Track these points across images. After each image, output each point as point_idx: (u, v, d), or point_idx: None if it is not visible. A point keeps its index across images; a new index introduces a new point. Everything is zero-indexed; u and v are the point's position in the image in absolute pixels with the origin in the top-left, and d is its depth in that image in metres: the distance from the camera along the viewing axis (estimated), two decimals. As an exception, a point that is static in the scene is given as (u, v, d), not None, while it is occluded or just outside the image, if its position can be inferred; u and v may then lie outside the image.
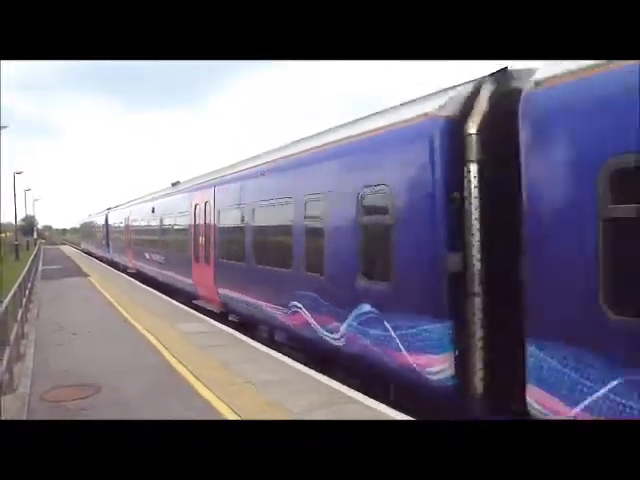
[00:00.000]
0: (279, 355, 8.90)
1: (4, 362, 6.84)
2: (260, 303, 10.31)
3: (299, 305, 8.65)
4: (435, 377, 5.81)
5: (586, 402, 4.13)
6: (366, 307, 6.91)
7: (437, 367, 5.78)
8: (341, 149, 7.83)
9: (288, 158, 9.62)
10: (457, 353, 5.60)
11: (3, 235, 50.51)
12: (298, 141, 9.93)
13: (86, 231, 55.69)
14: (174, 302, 15.82)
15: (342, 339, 7.46)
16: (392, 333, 6.42)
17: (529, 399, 4.80)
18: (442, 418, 5.67)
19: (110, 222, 33.89)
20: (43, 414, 6.23)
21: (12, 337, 8.21)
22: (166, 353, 9.18)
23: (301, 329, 8.66)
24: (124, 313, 13.60)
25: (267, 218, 10.36)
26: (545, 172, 4.71)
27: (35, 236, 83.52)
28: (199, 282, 14.54)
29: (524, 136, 4.86)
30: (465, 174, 5.56)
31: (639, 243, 4.00)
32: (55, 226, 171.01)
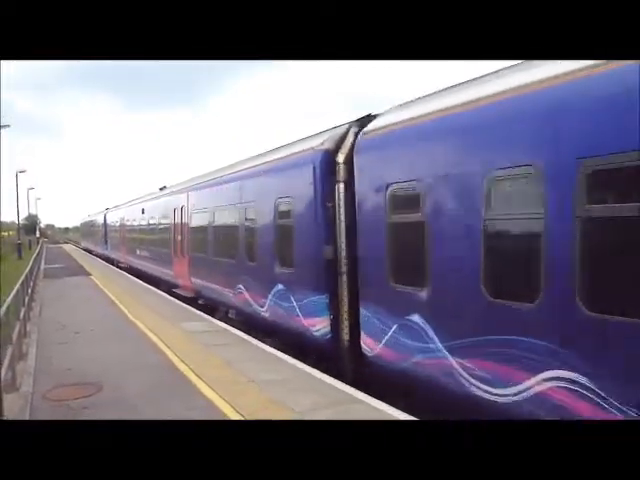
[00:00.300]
0: (282, 355, 8.90)
1: (6, 361, 6.86)
2: (219, 288, 13.04)
3: (242, 287, 11.43)
4: (318, 333, 8.39)
5: (384, 340, 6.88)
6: (280, 286, 9.65)
7: (319, 326, 8.37)
8: (265, 169, 10.67)
9: (235, 173, 12.50)
10: (331, 316, 8.12)
11: (5, 234, 50.62)
12: (244, 160, 12.68)
13: (86, 230, 59.91)
14: (176, 301, 15.87)
15: (267, 312, 10.18)
16: (295, 304, 9.06)
17: (362, 343, 7.48)
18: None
19: (108, 222, 36.79)
20: (46, 413, 6.25)
21: (14, 336, 8.23)
22: (168, 352, 9.20)
23: (243, 306, 11.44)
24: (126, 312, 13.63)
25: (222, 220, 13.12)
26: (360, 192, 7.47)
27: (37, 235, 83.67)
28: (178, 274, 17.22)
29: (355, 167, 7.61)
30: (336, 190, 7.95)
31: (407, 241, 6.67)
32: (57, 225, 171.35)
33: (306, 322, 8.69)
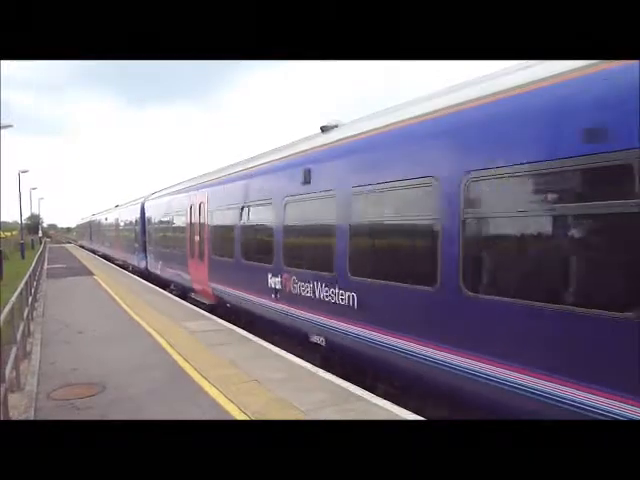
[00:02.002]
0: (286, 353, 8.93)
1: (10, 360, 6.88)
2: (129, 257, 28.45)
3: (131, 255, 27.91)
4: (143, 266, 24.23)
5: (150, 263, 22.88)
6: (136, 252, 25.81)
7: (143, 264, 24.23)
8: (128, 205, 31.03)
9: (121, 206, 35.40)
10: (145, 261, 23.71)
11: (9, 234, 50.82)
12: (124, 203, 34.87)
13: (80, 231, 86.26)
14: (180, 300, 15.91)
15: (136, 262, 26.33)
16: (139, 257, 24.98)
17: (147, 267, 23.44)
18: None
19: (92, 224, 55.88)
20: (50, 412, 6.28)
21: (19, 335, 8.25)
22: (172, 351, 9.23)
23: (131, 261, 27.98)
24: (130, 312, 13.67)
25: (123, 225, 31.03)
26: (146, 218, 24.05)
27: (40, 235, 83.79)
28: (117, 253, 34.37)
29: (145, 210, 24.34)
30: (146, 218, 23.83)
31: (152, 234, 22.61)
32: (60, 225, 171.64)
33: (141, 263, 24.27)
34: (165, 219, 19.78)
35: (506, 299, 5.14)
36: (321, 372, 7.71)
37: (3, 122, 32.76)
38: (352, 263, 7.56)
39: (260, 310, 10.79)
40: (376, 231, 7.24)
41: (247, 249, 11.51)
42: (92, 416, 6.06)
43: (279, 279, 9.79)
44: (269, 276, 10.18)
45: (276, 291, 9.95)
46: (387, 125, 7.08)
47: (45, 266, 29.54)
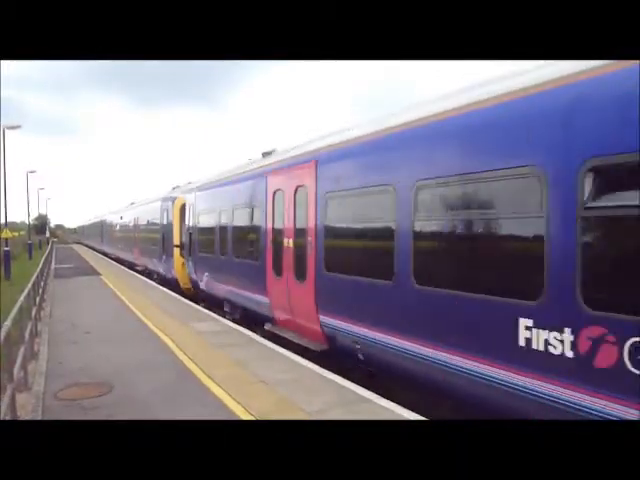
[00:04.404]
0: (292, 355, 8.92)
1: (19, 360, 6.91)
2: (97, 244, 56.61)
3: (104, 244, 51.15)
4: (100, 247, 54.50)
5: (110, 246, 45.41)
6: (102, 243, 52.00)
7: (100, 247, 53.43)
8: (97, 219, 62.43)
9: (98, 217, 62.66)
10: (102, 245, 51.30)
11: (16, 234, 51.52)
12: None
13: (80, 232, 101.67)
14: (187, 302, 15.94)
15: (101, 246, 52.74)
16: (100, 242, 53.88)
17: (104, 248, 49.75)
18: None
19: (85, 227, 77.99)
20: (58, 412, 6.31)
21: (27, 335, 8.29)
22: (179, 352, 9.25)
23: (101, 247, 52.54)
24: (137, 312, 13.72)
25: (96, 229, 60.06)
26: (104, 228, 50.94)
27: (47, 235, 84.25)
28: (95, 244, 58.73)
29: (104, 222, 51.51)
30: (104, 226, 51.38)
31: (109, 235, 46.44)
32: (67, 225, 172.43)
33: (98, 246, 53.45)
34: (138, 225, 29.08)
35: None
36: (327, 374, 7.70)
37: (13, 122, 33.17)
38: None
39: None
40: None
41: None
42: (99, 416, 6.09)
43: None
44: None
45: None
46: None
47: (52, 266, 29.70)
